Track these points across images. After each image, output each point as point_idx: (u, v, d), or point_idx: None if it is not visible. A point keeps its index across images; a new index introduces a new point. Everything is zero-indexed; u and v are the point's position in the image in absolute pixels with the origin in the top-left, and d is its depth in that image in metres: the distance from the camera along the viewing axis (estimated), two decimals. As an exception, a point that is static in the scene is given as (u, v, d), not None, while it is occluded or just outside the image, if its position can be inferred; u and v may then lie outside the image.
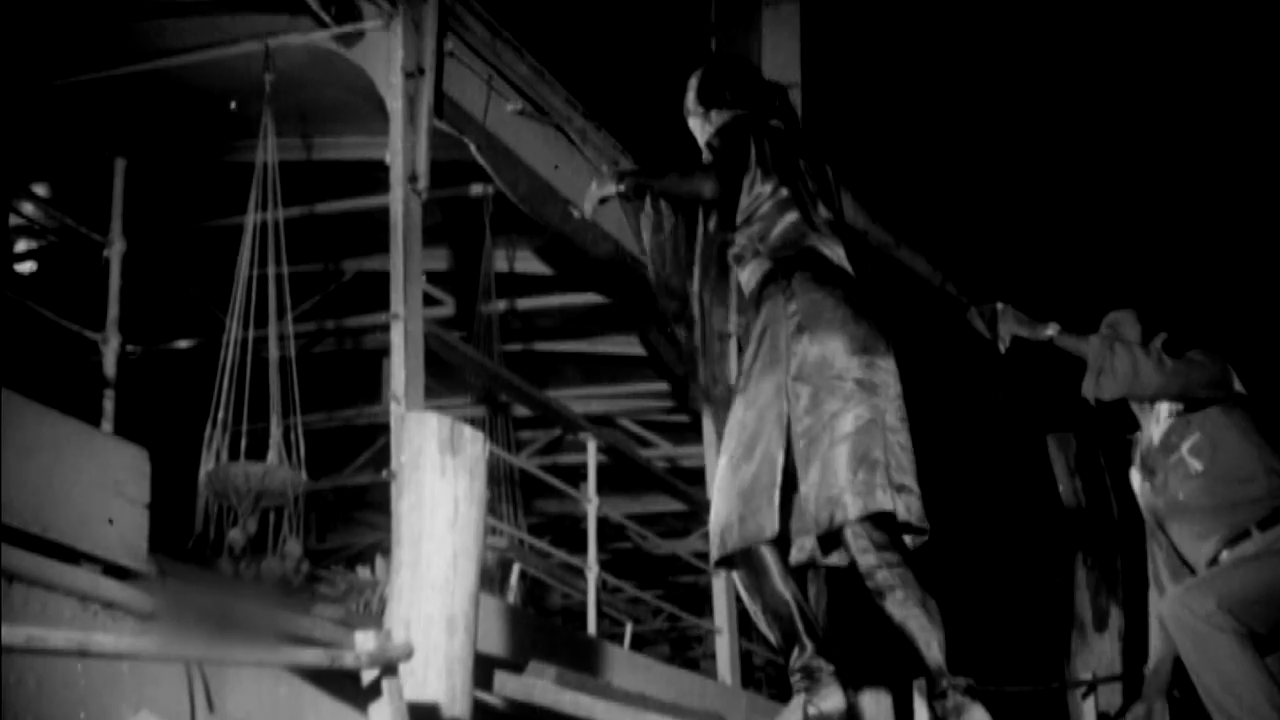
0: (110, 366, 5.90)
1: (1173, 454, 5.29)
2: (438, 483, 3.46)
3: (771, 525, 4.37)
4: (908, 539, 4.46)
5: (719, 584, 7.93)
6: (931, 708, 4.35)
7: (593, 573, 6.80)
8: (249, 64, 6.20)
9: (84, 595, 3.54)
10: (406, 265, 5.78)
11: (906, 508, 4.40)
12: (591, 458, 7.04)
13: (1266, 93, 12.76)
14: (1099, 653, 13.52)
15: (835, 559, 4.60)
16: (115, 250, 6.07)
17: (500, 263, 8.31)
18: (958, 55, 12.80)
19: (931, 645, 4.28)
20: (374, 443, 8.85)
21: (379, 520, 7.94)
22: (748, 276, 4.74)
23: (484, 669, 4.48)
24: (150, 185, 6.76)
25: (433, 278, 8.40)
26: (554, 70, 6.88)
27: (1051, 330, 5.11)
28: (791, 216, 4.67)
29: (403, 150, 5.85)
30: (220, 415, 5.77)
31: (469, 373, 7.91)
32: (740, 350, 5.14)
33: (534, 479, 7.61)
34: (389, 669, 3.20)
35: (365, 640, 3.20)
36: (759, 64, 10.57)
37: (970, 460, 12.81)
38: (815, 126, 10.55)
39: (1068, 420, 13.69)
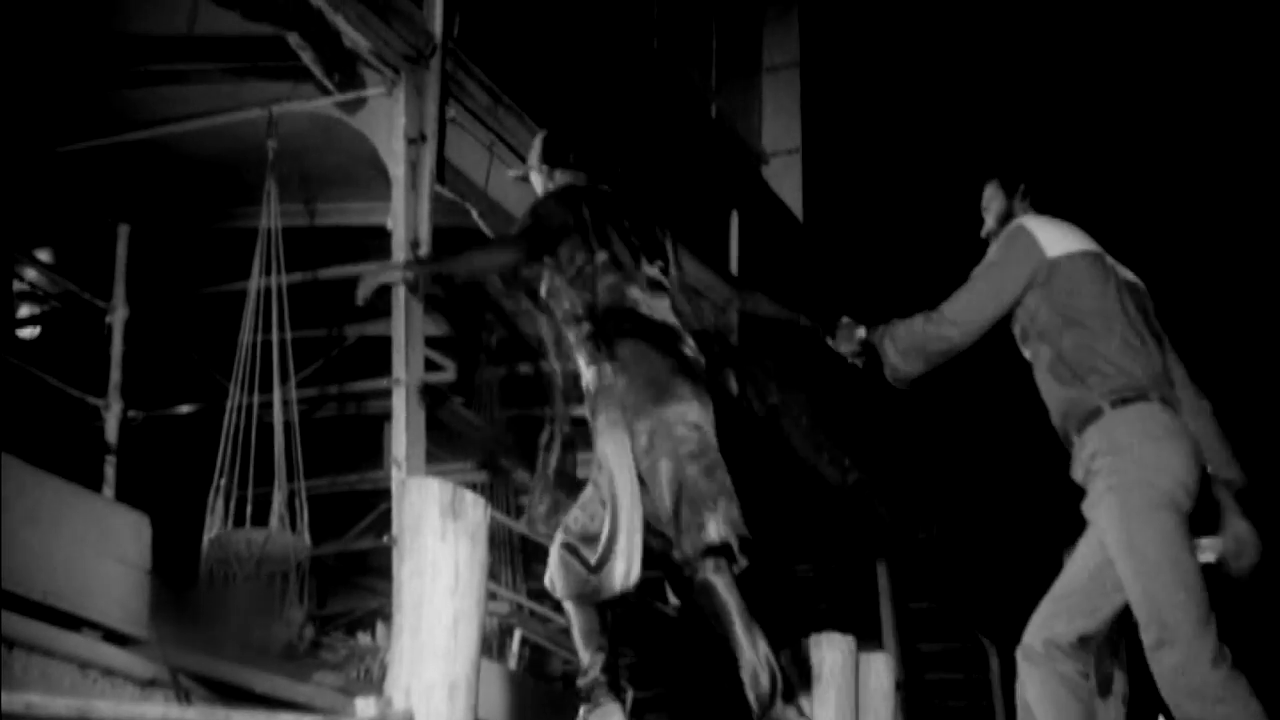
0: (112, 432, 5.91)
1: None
2: (439, 548, 3.45)
3: (611, 587, 4.52)
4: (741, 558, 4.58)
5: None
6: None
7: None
8: (253, 130, 6.24)
9: (84, 661, 3.54)
10: (408, 330, 5.79)
11: (731, 528, 4.52)
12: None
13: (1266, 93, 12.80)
14: (1103, 718, 13.45)
15: (672, 599, 4.78)
16: (118, 316, 6.09)
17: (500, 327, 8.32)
18: (957, 122, 12.86)
19: (760, 679, 4.43)
20: (375, 508, 8.84)
21: (380, 585, 7.92)
22: (575, 339, 4.86)
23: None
24: (153, 251, 6.79)
25: (433, 343, 8.41)
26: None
27: (861, 333, 5.07)
28: (611, 278, 4.80)
29: (405, 216, 5.88)
30: (223, 481, 5.77)
31: (470, 438, 7.91)
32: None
33: (535, 544, 7.59)
34: (390, 735, 3.19)
35: (366, 706, 3.20)
36: (759, 129, 10.65)
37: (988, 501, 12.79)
38: (815, 190, 10.61)
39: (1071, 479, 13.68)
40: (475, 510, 3.55)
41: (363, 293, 4.69)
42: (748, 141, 10.30)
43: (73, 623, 3.57)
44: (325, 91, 6.02)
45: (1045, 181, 4.89)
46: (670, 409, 4.60)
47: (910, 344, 4.75)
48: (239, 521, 5.78)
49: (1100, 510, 4.48)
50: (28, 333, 8.09)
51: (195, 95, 6.40)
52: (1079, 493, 4.72)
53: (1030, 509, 13.77)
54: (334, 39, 5.81)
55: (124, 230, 6.19)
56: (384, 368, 5.84)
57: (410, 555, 3.47)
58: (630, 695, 4.58)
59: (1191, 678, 4.34)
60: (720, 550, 4.48)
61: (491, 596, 6.55)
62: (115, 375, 6.01)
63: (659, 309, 4.84)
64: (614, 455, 4.61)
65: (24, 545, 3.46)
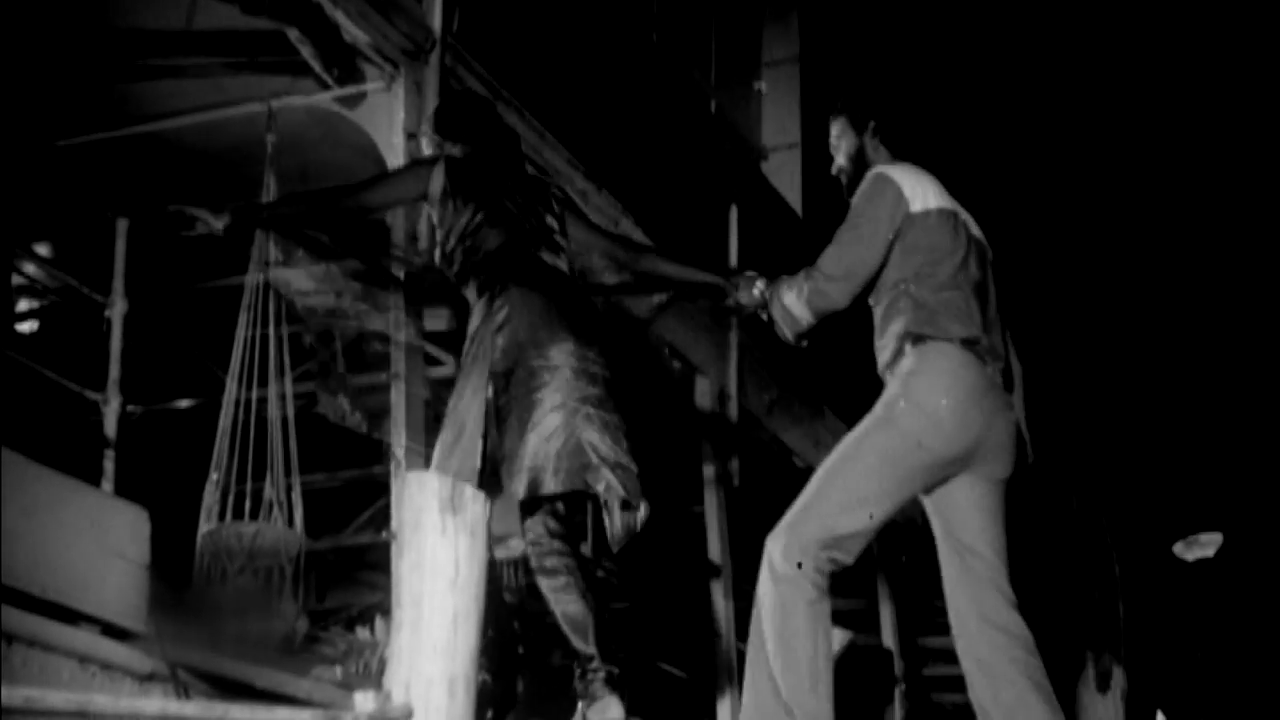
0: (111, 427, 5.91)
1: None
2: (438, 543, 3.45)
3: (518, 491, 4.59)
4: (629, 516, 4.65)
5: (720, 646, 7.90)
6: (575, 688, 4.59)
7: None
8: (252, 125, 6.24)
9: (83, 656, 3.53)
10: (407, 325, 5.79)
11: (623, 485, 4.61)
12: (590, 517, 7.02)
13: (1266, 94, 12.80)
14: (1101, 714, 13.47)
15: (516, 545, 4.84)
16: (116, 310, 6.09)
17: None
18: (957, 114, 12.86)
19: (588, 633, 4.56)
20: (374, 503, 8.83)
21: (380, 580, 7.91)
22: (469, 294, 4.94)
23: (483, 730, 4.46)
24: (152, 246, 6.78)
25: (433, 337, 8.40)
26: (555, 131, 6.91)
27: (761, 284, 5.03)
28: (498, 233, 4.89)
29: (403, 211, 5.87)
30: (219, 475, 5.77)
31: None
32: None
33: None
34: (389, 730, 3.19)
35: (365, 701, 3.20)
36: (759, 124, 10.65)
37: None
38: (815, 185, 10.60)
39: (1069, 480, 13.69)
40: (475, 505, 3.55)
41: (184, 228, 4.83)
42: (747, 137, 10.30)
43: (72, 617, 3.57)
44: (324, 86, 6.02)
45: (895, 120, 4.88)
46: (542, 351, 4.67)
47: (795, 300, 4.68)
48: (237, 516, 5.77)
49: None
50: (26, 327, 8.09)
51: (194, 90, 6.40)
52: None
53: (1028, 506, 13.79)
54: (333, 33, 5.81)
55: (123, 225, 6.18)
56: (383, 363, 5.84)
57: (410, 550, 3.47)
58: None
59: (781, 542, 4.30)
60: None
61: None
62: (114, 370, 6.01)
63: (550, 259, 4.95)
64: (470, 393, 4.68)
65: (23, 540, 3.46)
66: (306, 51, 5.78)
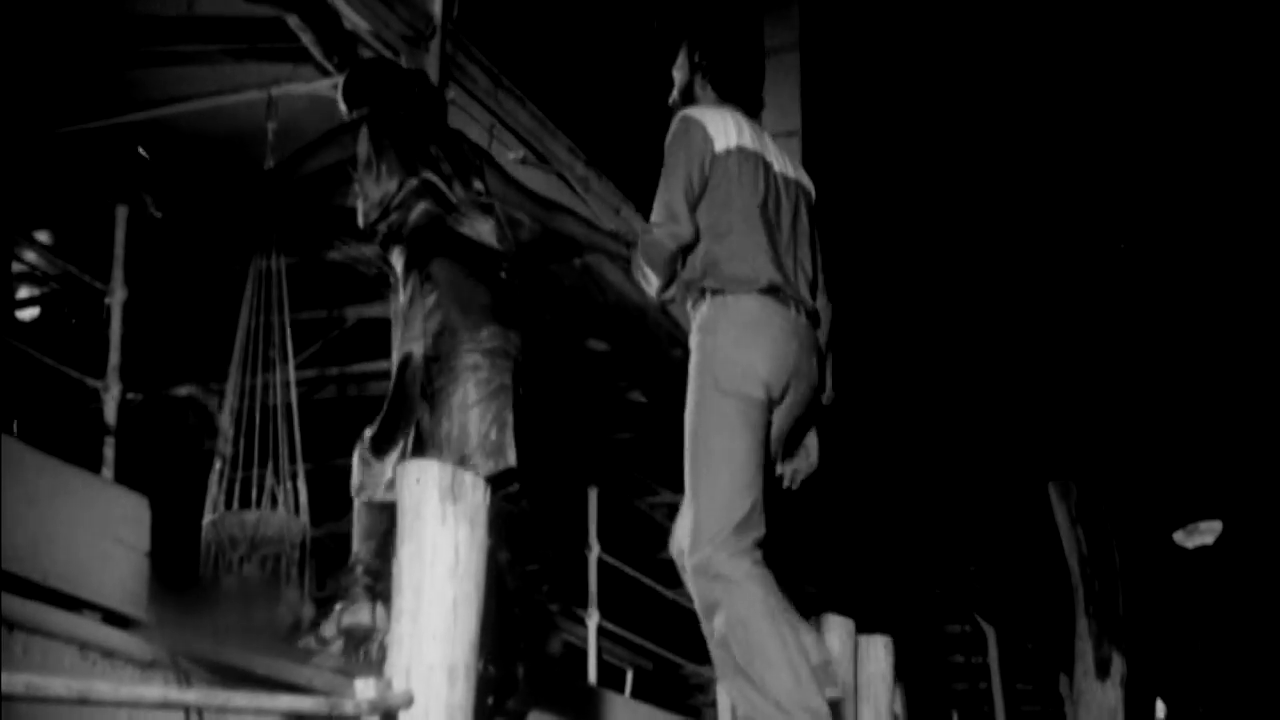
0: (111, 414, 5.90)
1: None
2: (438, 530, 3.45)
3: (376, 489, 4.92)
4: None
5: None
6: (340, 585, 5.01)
7: (593, 620, 6.79)
8: (252, 112, 6.24)
9: (83, 643, 3.54)
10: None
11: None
12: (592, 504, 7.03)
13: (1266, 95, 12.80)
14: (1101, 701, 13.50)
15: None
16: (117, 298, 6.08)
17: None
18: (957, 102, 12.85)
19: (373, 540, 4.89)
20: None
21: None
22: (395, 264, 5.04)
23: (485, 718, 4.46)
24: (153, 233, 6.79)
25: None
26: (556, 119, 6.91)
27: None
28: (425, 203, 4.96)
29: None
30: (223, 463, 5.78)
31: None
32: None
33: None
34: (389, 717, 3.20)
35: (365, 689, 3.20)
36: (759, 112, 10.64)
37: (968, 503, 12.80)
38: (816, 172, 10.61)
39: (1070, 469, 13.70)
40: (475, 493, 3.55)
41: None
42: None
43: (72, 604, 3.57)
44: (325, 73, 6.02)
45: (727, 61, 4.80)
46: (472, 334, 4.80)
47: (643, 258, 4.60)
48: (243, 504, 5.78)
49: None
50: (28, 314, 8.09)
51: (195, 77, 6.40)
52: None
53: (1028, 495, 13.80)
54: (334, 21, 5.81)
55: (123, 211, 6.18)
56: (384, 350, 5.84)
57: (409, 537, 3.47)
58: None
59: (717, 563, 4.25)
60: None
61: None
62: (114, 357, 6.00)
63: (483, 232, 5.01)
64: (399, 368, 4.86)
65: (24, 527, 3.46)
66: (307, 39, 5.78)
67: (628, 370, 8.99)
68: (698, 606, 4.32)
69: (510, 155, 6.66)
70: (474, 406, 4.76)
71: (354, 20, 5.80)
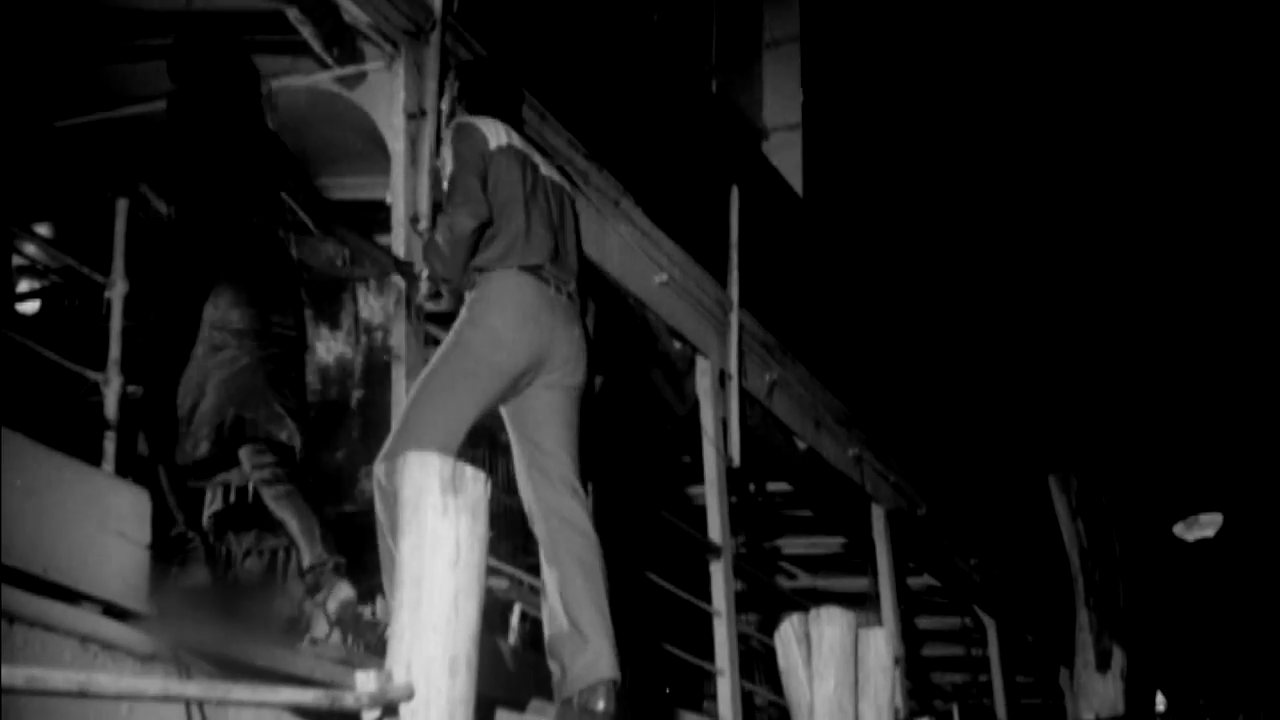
0: (111, 407, 5.90)
1: None
2: (439, 523, 3.45)
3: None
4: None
5: (720, 625, 7.91)
6: (308, 592, 5.25)
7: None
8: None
9: (84, 636, 3.54)
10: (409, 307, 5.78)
11: (290, 435, 5.25)
12: (591, 496, 7.02)
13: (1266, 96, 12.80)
14: (1101, 693, 13.50)
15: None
16: (117, 291, 6.08)
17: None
18: (958, 94, 12.84)
19: (313, 539, 5.16)
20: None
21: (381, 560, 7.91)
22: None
23: (485, 710, 4.47)
24: (153, 225, 6.78)
25: (433, 317, 8.40)
26: (555, 112, 6.90)
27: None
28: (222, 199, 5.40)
29: (404, 191, 5.87)
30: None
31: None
32: None
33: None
34: (390, 710, 3.20)
35: (366, 681, 3.20)
36: (760, 105, 10.63)
37: (973, 497, 12.79)
38: (816, 166, 10.60)
39: (1070, 461, 13.70)
40: (476, 485, 3.55)
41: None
42: (748, 117, 10.28)
43: (73, 597, 3.57)
44: (324, 66, 6.01)
45: (482, 86, 5.55)
46: (222, 312, 5.27)
47: (444, 239, 5.14)
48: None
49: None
50: (28, 307, 8.08)
51: (194, 70, 6.37)
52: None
53: (1028, 487, 13.80)
54: (333, 13, 5.80)
55: (122, 205, 6.17)
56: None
57: (410, 530, 3.47)
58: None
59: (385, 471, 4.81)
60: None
61: (491, 572, 6.55)
62: (114, 350, 5.99)
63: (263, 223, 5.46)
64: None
65: (24, 520, 3.46)
66: (306, 31, 5.77)
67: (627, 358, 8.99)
68: (381, 525, 4.90)
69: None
70: (227, 384, 5.21)
71: (353, 13, 5.79)
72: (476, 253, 5.10)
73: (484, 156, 5.16)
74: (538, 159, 5.39)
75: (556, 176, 5.45)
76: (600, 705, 4.85)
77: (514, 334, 4.99)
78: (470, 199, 5.08)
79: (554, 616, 4.97)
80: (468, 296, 5.12)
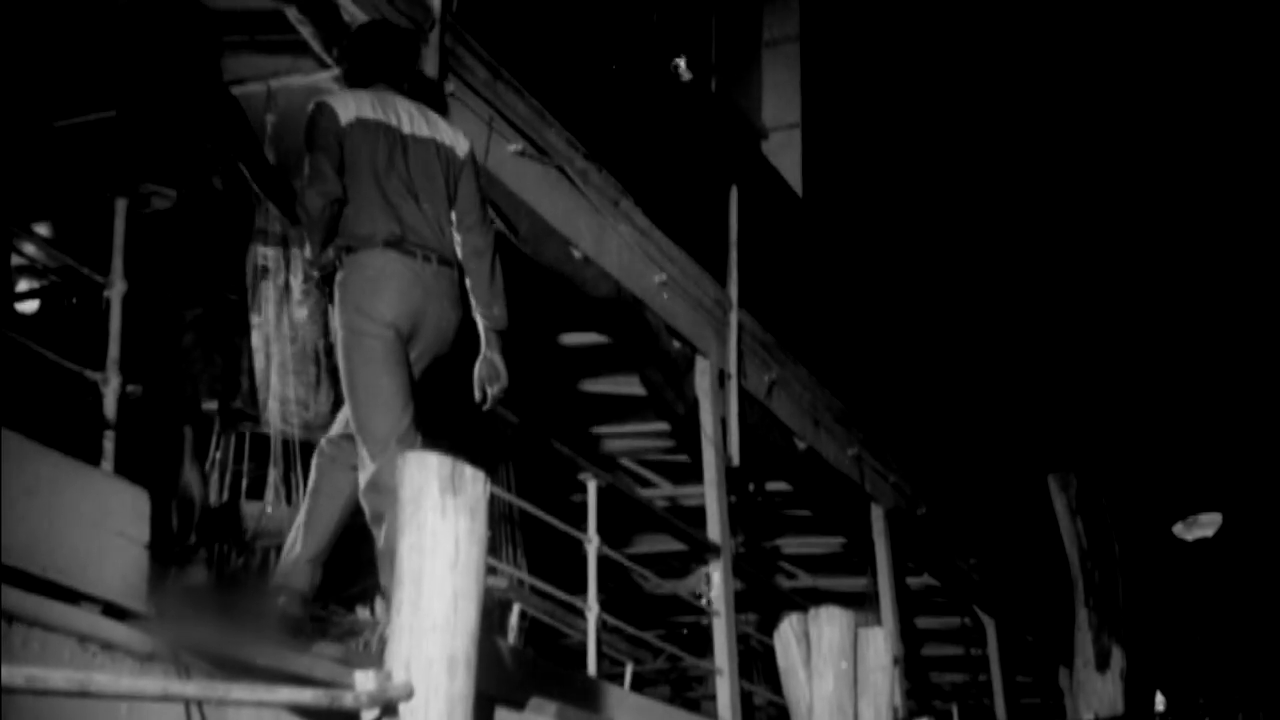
0: (110, 407, 5.90)
1: None
2: (438, 523, 3.45)
3: None
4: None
5: (720, 625, 7.92)
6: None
7: (593, 613, 6.78)
8: (251, 105, 6.22)
9: (83, 635, 3.53)
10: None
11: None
12: (592, 497, 7.03)
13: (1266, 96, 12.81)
14: (1100, 693, 13.50)
15: None
16: (116, 290, 6.08)
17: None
18: (958, 92, 12.84)
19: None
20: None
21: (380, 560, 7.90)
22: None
23: (484, 709, 4.47)
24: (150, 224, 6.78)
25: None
26: (555, 111, 6.90)
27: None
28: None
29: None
30: (219, 455, 5.78)
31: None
32: None
33: (534, 519, 7.58)
34: (389, 709, 3.20)
35: (365, 680, 3.20)
36: (760, 104, 10.63)
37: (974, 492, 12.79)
38: (815, 165, 10.60)
39: (1069, 460, 13.69)
40: (475, 485, 3.55)
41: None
42: (747, 116, 10.28)
43: (72, 597, 3.57)
44: (324, 66, 6.01)
45: (360, 57, 5.48)
46: None
47: (303, 220, 5.24)
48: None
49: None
50: (27, 307, 8.08)
51: (195, 69, 6.37)
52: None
53: (1028, 486, 13.79)
54: (333, 13, 5.80)
55: (121, 204, 6.17)
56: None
57: (410, 530, 3.47)
58: None
59: (383, 478, 4.87)
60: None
61: (491, 571, 6.55)
62: (113, 350, 5.99)
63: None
64: None
65: (23, 519, 3.46)
66: (306, 31, 5.77)
67: (628, 358, 8.99)
68: (368, 518, 5.06)
69: (510, 148, 6.66)
70: None
71: (353, 12, 5.79)
72: (338, 231, 5.14)
73: (336, 134, 5.16)
74: (401, 120, 5.31)
75: (425, 131, 5.35)
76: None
77: (390, 311, 5.07)
78: (317, 177, 5.13)
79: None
80: (336, 278, 5.17)
